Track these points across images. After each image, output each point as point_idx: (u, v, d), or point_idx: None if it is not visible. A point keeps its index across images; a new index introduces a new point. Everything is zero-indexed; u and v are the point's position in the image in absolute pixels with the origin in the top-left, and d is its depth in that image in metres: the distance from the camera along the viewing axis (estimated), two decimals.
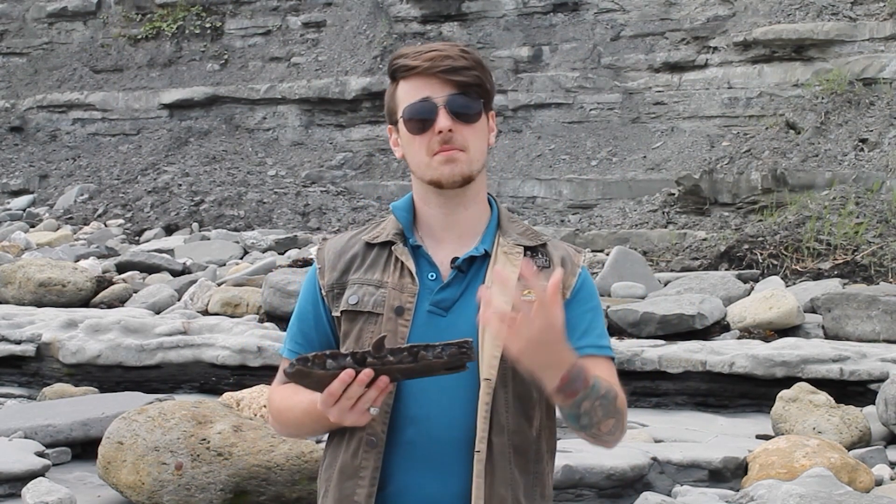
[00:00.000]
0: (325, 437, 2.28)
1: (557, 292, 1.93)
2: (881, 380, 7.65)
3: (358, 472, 2.15)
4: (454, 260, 2.20)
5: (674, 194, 17.37)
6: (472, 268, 2.20)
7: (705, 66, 20.51)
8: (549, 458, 2.24)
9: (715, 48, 20.44)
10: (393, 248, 2.22)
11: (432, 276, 2.19)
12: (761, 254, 12.79)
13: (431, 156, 2.16)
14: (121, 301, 11.59)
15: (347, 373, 1.94)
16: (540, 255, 2.24)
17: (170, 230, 19.20)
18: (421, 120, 2.15)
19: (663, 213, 17.16)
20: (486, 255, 2.21)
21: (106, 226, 19.71)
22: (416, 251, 2.22)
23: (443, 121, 2.13)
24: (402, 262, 2.20)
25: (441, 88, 2.14)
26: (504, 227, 2.26)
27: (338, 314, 2.22)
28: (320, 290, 2.26)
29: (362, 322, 2.18)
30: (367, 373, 1.95)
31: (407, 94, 2.17)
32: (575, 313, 2.21)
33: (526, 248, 2.24)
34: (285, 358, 2.28)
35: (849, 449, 6.48)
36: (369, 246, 2.25)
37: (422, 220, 2.25)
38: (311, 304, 2.27)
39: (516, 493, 2.15)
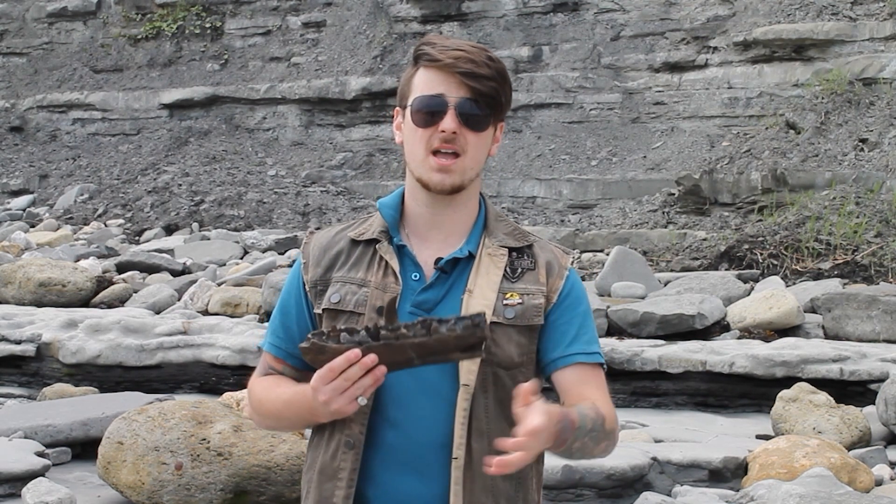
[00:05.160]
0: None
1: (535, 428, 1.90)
2: (881, 380, 7.65)
3: (336, 473, 2.14)
4: (438, 260, 2.18)
5: (674, 194, 17.37)
6: (455, 269, 2.18)
7: (705, 66, 20.51)
8: (535, 463, 2.21)
9: (715, 48, 20.44)
10: (377, 246, 2.20)
11: (416, 276, 2.17)
12: (761, 254, 12.78)
13: (428, 153, 2.13)
14: (121, 301, 11.59)
15: (353, 352, 1.93)
16: (525, 257, 2.22)
17: (170, 230, 19.20)
18: (429, 114, 2.13)
19: (663, 213, 17.16)
20: (471, 257, 2.19)
21: (106, 226, 19.71)
22: (401, 251, 2.19)
23: (449, 122, 2.11)
24: (386, 262, 2.18)
25: (457, 89, 2.12)
26: (490, 228, 2.23)
27: (319, 311, 2.21)
28: (304, 285, 2.24)
29: (344, 321, 2.16)
30: (371, 358, 1.93)
31: (423, 83, 2.15)
32: (563, 319, 2.20)
33: (511, 250, 2.21)
34: (265, 351, 2.29)
35: (849, 449, 6.48)
36: (355, 243, 2.23)
37: (409, 218, 2.23)
38: (293, 299, 2.26)
39: (497, 499, 2.14)
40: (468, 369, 2.09)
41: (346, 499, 2.12)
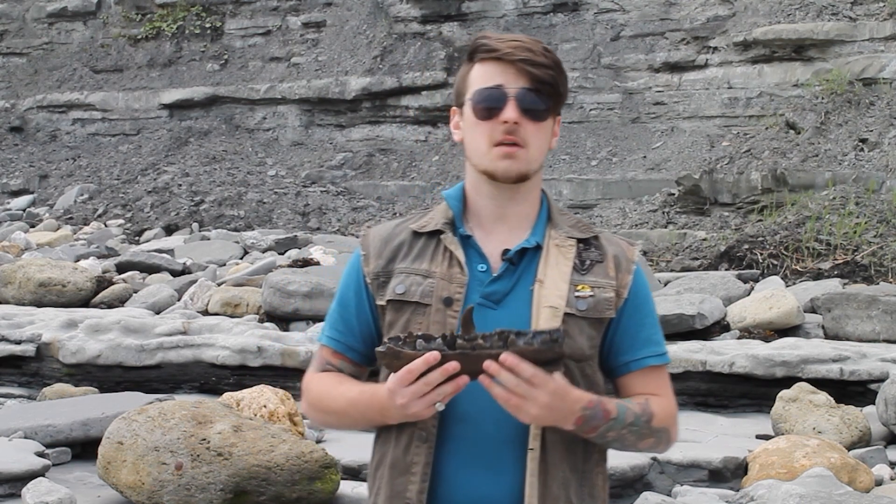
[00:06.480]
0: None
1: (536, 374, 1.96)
2: (881, 380, 7.64)
3: (409, 467, 2.11)
4: (505, 252, 2.16)
5: (674, 194, 17.37)
6: (523, 260, 2.16)
7: (705, 66, 20.51)
8: (600, 458, 2.19)
9: (715, 48, 20.44)
10: (442, 237, 2.18)
11: (482, 267, 2.15)
12: (761, 254, 12.78)
13: (492, 145, 2.13)
14: (121, 301, 11.59)
15: (433, 355, 1.92)
16: (592, 249, 2.21)
17: (170, 230, 19.20)
18: (489, 107, 2.12)
19: (663, 213, 17.16)
20: (538, 248, 2.18)
21: (106, 226, 19.71)
22: (466, 241, 2.18)
23: (510, 112, 2.10)
24: (452, 252, 2.16)
25: (515, 79, 2.12)
26: (555, 220, 2.23)
27: (383, 303, 2.18)
28: (364, 277, 2.22)
29: (409, 312, 2.14)
30: (453, 365, 1.92)
31: (480, 77, 2.14)
32: (633, 320, 2.20)
33: (578, 241, 2.21)
34: (324, 346, 2.26)
35: (849, 449, 6.48)
36: (417, 235, 2.21)
37: (472, 211, 2.21)
38: (353, 292, 2.23)
39: (569, 493, 2.11)
40: None
41: (419, 493, 2.10)
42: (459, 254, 2.16)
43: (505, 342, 1.93)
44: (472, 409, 2.06)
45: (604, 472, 2.21)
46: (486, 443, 2.09)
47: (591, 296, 2.13)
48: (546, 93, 2.13)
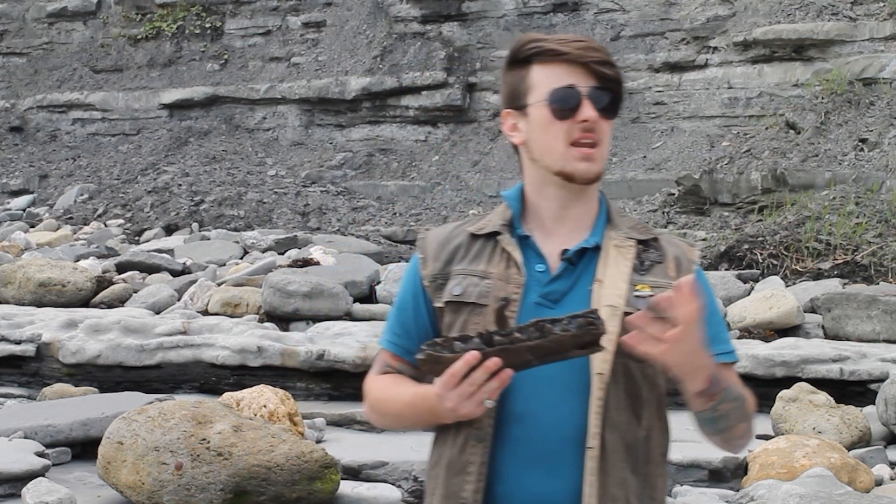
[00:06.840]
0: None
1: (696, 302, 1.94)
2: (881, 380, 7.64)
3: (465, 467, 2.10)
4: (564, 252, 2.15)
5: (674, 194, 17.37)
6: (582, 260, 2.16)
7: (705, 66, 20.51)
8: (661, 461, 2.18)
9: (715, 48, 20.44)
10: (499, 238, 2.18)
11: (540, 267, 2.15)
12: (761, 254, 12.78)
13: (569, 144, 2.12)
14: (121, 301, 11.59)
15: (473, 355, 1.91)
16: (652, 250, 2.19)
17: (170, 230, 19.19)
18: (564, 108, 2.11)
19: (663, 213, 17.16)
20: (597, 248, 2.16)
21: (106, 226, 19.71)
22: (524, 242, 2.17)
23: (589, 110, 2.10)
24: (509, 253, 2.16)
25: (585, 79, 2.12)
26: (614, 221, 2.22)
27: (441, 305, 2.18)
28: (421, 280, 2.22)
29: (467, 313, 2.14)
30: (495, 361, 1.91)
31: (547, 78, 2.13)
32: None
33: (638, 242, 2.19)
34: (383, 349, 2.27)
35: (849, 449, 6.48)
36: (474, 237, 2.21)
37: (532, 212, 2.21)
38: (410, 295, 2.24)
39: (628, 495, 2.09)
40: (602, 358, 2.06)
41: (475, 493, 2.09)
42: (517, 254, 2.15)
43: (542, 332, 1.92)
44: (530, 409, 2.05)
45: (664, 476, 2.18)
46: (543, 442, 2.07)
47: (650, 295, 2.09)
48: (613, 90, 2.14)
